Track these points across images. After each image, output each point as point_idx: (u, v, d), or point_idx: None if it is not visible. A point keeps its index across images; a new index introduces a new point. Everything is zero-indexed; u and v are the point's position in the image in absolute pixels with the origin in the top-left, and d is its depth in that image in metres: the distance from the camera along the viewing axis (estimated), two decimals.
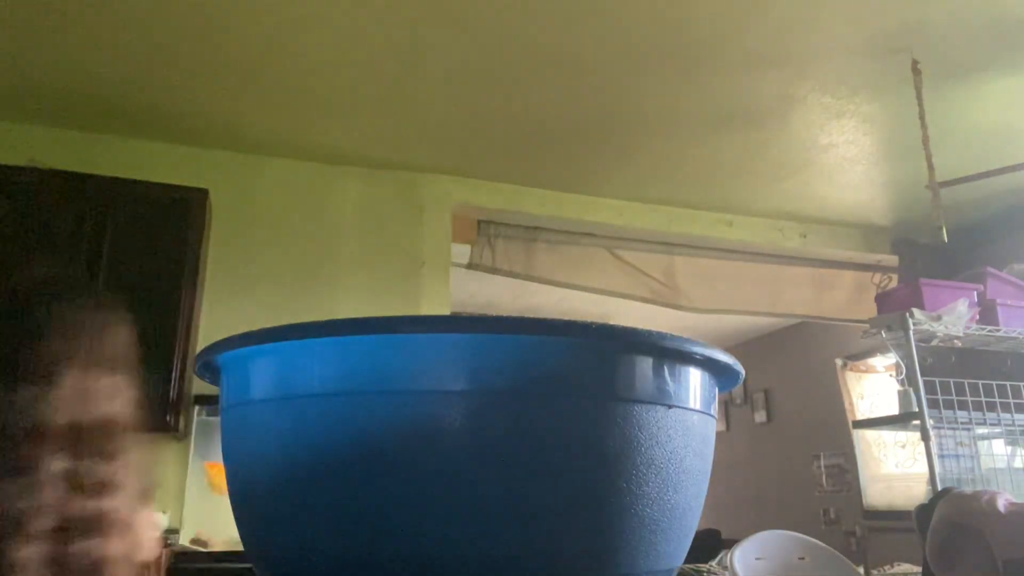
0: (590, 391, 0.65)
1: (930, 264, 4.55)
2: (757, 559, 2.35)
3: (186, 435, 3.21)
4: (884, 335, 2.98)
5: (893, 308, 3.12)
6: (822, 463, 6.21)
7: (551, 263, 4.29)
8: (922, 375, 2.86)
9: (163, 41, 2.83)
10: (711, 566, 2.55)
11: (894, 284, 4.71)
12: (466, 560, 0.61)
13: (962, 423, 2.93)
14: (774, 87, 3.14)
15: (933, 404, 2.89)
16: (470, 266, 4.15)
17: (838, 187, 4.13)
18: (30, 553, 0.76)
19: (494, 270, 4.17)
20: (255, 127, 3.47)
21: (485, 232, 4.19)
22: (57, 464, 0.81)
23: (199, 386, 3.23)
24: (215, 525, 3.09)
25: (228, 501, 0.77)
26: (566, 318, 0.65)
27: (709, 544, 4.61)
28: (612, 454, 0.64)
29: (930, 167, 2.77)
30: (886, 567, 3.39)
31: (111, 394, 0.89)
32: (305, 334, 0.68)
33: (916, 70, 2.87)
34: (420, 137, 3.60)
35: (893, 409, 3.01)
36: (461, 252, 4.09)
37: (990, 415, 3.00)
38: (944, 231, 2.70)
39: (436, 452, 0.61)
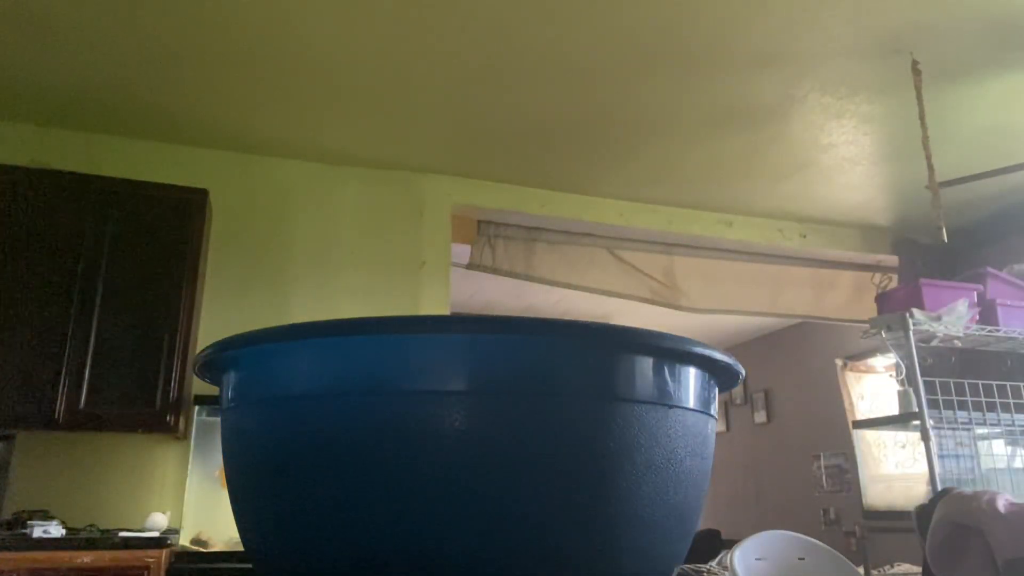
0: (590, 391, 0.65)
1: (930, 264, 4.54)
2: (757, 559, 2.35)
3: (186, 435, 3.21)
4: (884, 335, 2.98)
5: (893, 308, 3.12)
6: (822, 463, 6.22)
7: (551, 263, 4.29)
8: (922, 375, 2.86)
9: (163, 41, 2.83)
10: (711, 566, 2.55)
11: (894, 284, 4.71)
12: (465, 560, 0.61)
13: (962, 423, 2.93)
14: (774, 87, 3.14)
15: (933, 404, 2.89)
16: (470, 266, 4.15)
17: (838, 187, 4.13)
18: None
19: (494, 270, 4.17)
20: (255, 127, 3.47)
21: (485, 232, 4.19)
22: None
23: (199, 386, 3.23)
24: (215, 525, 3.10)
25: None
26: (566, 318, 0.65)
27: (709, 544, 4.61)
28: (612, 454, 0.64)
29: (930, 167, 2.77)
30: (886, 567, 3.39)
31: None
32: (305, 334, 0.68)
33: (916, 70, 2.87)
34: (420, 137, 3.59)
35: (893, 409, 3.01)
36: (461, 252, 4.09)
37: (990, 415, 2.99)
38: (944, 231, 2.70)
39: (435, 452, 0.61)
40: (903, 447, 5.61)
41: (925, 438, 2.77)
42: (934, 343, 3.06)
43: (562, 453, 0.63)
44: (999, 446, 3.13)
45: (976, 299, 3.20)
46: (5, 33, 2.77)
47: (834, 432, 5.98)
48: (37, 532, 2.53)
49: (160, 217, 3.15)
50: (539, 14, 2.68)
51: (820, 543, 2.49)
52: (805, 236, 4.64)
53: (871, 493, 5.69)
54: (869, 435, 5.76)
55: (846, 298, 4.90)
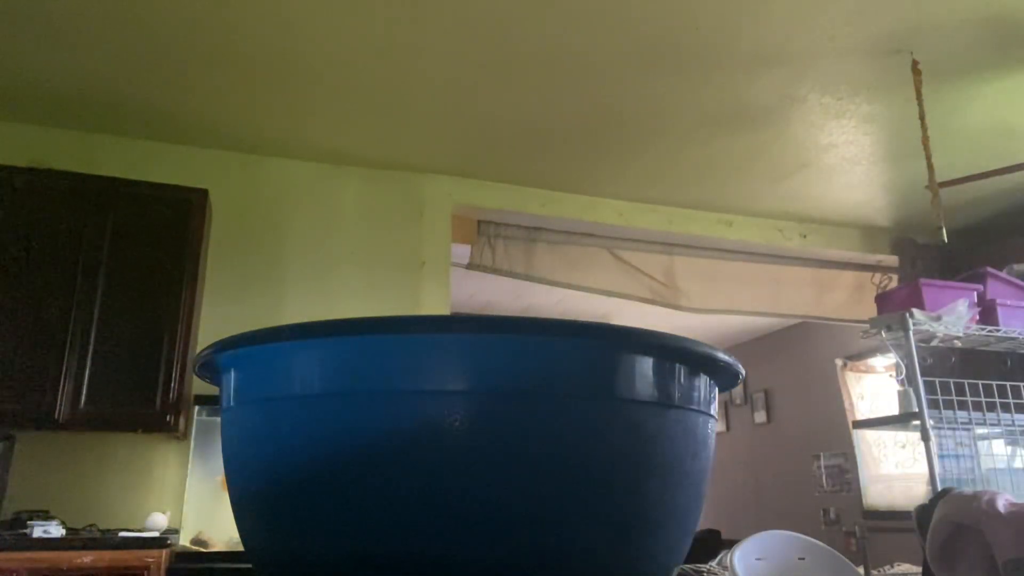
0: (589, 391, 0.65)
1: (930, 264, 4.55)
2: (757, 559, 2.35)
3: (186, 435, 3.21)
4: (884, 335, 2.98)
5: (893, 308, 3.12)
6: (822, 463, 6.21)
7: (551, 263, 4.29)
8: (922, 375, 2.86)
9: (163, 41, 2.83)
10: (711, 566, 2.55)
11: (894, 284, 4.71)
12: (465, 560, 0.61)
13: (962, 423, 2.93)
14: (774, 87, 3.14)
15: (933, 404, 2.88)
16: (470, 266, 4.15)
17: (838, 187, 4.13)
18: None
19: (494, 270, 4.17)
20: (255, 127, 3.47)
21: (485, 232, 4.19)
22: None
23: (199, 386, 3.23)
24: (215, 525, 3.10)
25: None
26: (566, 318, 0.65)
27: (709, 544, 4.60)
28: (611, 454, 0.64)
29: (930, 167, 2.77)
30: (886, 567, 3.39)
31: None
32: (304, 334, 0.68)
33: (916, 70, 2.87)
34: (420, 137, 3.59)
35: (893, 409, 3.01)
36: (461, 252, 4.09)
37: (990, 415, 2.99)
38: (944, 231, 2.70)
39: (435, 452, 0.61)
40: (903, 447, 5.62)
41: (925, 438, 2.77)
42: (934, 343, 3.06)
43: (561, 453, 0.63)
44: (999, 446, 3.13)
45: (976, 299, 3.20)
46: (6, 33, 2.77)
47: (834, 432, 5.98)
48: (37, 532, 2.53)
49: (160, 217, 3.15)
50: (539, 14, 2.68)
51: (820, 543, 2.50)
52: (805, 236, 4.64)
53: (871, 493, 5.71)
54: (869, 435, 5.78)
55: (846, 298, 4.90)
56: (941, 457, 2.88)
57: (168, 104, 3.26)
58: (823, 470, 6.20)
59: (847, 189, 4.16)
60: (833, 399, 6.01)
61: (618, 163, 3.87)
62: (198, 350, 0.93)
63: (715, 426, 0.79)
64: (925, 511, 2.18)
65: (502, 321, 0.65)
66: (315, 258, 3.66)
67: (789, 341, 6.82)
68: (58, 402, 2.83)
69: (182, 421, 3.06)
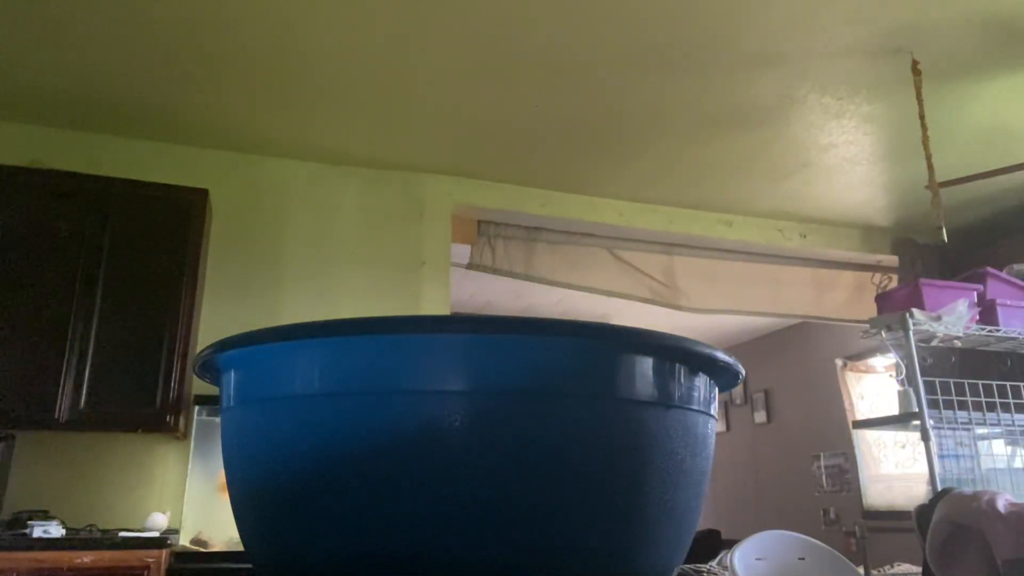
0: (589, 391, 0.65)
1: (930, 264, 4.55)
2: (757, 559, 2.35)
3: (186, 435, 3.21)
4: (884, 335, 2.98)
5: (893, 308, 3.12)
6: (822, 463, 6.21)
7: (551, 263, 4.29)
8: (922, 375, 2.86)
9: (163, 41, 2.83)
10: (711, 566, 2.55)
11: (894, 284, 4.71)
12: (465, 560, 0.61)
13: (962, 423, 2.93)
14: (774, 87, 3.14)
15: (933, 404, 2.88)
16: (470, 266, 4.15)
17: (838, 187, 4.13)
18: None
19: (494, 270, 4.17)
20: (255, 127, 3.47)
21: (485, 232, 4.19)
22: None
23: (199, 386, 3.23)
24: (215, 525, 3.09)
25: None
26: (566, 318, 0.65)
27: (709, 544, 4.60)
28: (611, 454, 0.64)
29: (930, 167, 2.77)
30: (886, 567, 3.39)
31: None
32: (305, 334, 0.68)
33: (916, 70, 2.87)
34: (420, 137, 3.59)
35: (893, 409, 3.01)
36: (461, 252, 4.09)
37: (990, 415, 2.99)
38: (944, 231, 2.70)
39: (435, 453, 0.61)
40: (903, 447, 5.62)
41: (925, 438, 2.77)
42: (934, 343, 3.06)
43: (561, 453, 0.63)
44: (999, 446, 3.13)
45: (976, 299, 3.20)
46: (6, 33, 2.77)
47: (834, 432, 5.98)
48: (37, 532, 2.53)
49: (160, 217, 3.15)
50: (539, 14, 2.68)
51: (820, 543, 2.49)
52: (805, 236, 4.64)
53: (871, 493, 5.70)
54: (869, 435, 5.78)
55: (846, 298, 4.90)
56: (941, 457, 2.88)
57: (168, 104, 3.26)
58: (823, 470, 6.20)
59: (847, 189, 4.16)
60: (833, 399, 6.01)
61: (618, 163, 3.87)
62: (198, 350, 0.93)
63: (715, 426, 0.79)
64: (925, 511, 2.18)
65: (502, 321, 0.65)
66: (315, 258, 3.66)
67: (789, 341, 6.82)
68: (58, 402, 2.83)
69: (182, 421, 3.06)
